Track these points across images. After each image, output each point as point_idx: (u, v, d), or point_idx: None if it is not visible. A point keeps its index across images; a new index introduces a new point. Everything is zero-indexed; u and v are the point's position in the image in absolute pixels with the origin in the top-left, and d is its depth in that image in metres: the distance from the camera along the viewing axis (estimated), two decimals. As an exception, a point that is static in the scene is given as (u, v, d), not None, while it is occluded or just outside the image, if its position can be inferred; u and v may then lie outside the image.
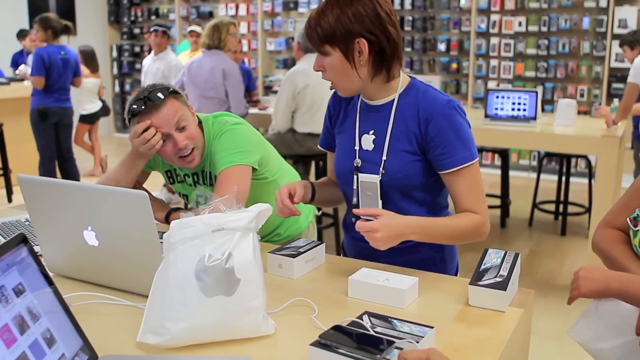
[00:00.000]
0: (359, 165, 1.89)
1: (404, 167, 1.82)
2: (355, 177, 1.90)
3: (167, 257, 1.39)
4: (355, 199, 1.92)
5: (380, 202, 1.86)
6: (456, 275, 2.03)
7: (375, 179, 1.85)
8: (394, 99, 1.85)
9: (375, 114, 1.88)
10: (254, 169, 2.19)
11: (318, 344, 1.25)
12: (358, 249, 1.98)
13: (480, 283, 1.57)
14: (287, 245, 1.88)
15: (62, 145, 6.16)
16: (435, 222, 1.79)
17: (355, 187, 1.91)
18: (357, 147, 1.90)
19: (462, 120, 1.79)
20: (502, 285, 1.55)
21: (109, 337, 1.43)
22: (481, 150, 5.94)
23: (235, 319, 1.38)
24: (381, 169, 1.84)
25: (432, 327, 1.36)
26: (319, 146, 2.11)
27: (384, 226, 1.64)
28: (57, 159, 6.20)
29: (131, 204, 1.55)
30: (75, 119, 6.94)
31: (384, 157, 1.84)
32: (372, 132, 1.88)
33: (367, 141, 1.88)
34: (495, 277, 1.59)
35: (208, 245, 1.37)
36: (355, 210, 1.72)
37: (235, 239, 1.39)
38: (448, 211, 1.98)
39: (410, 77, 1.89)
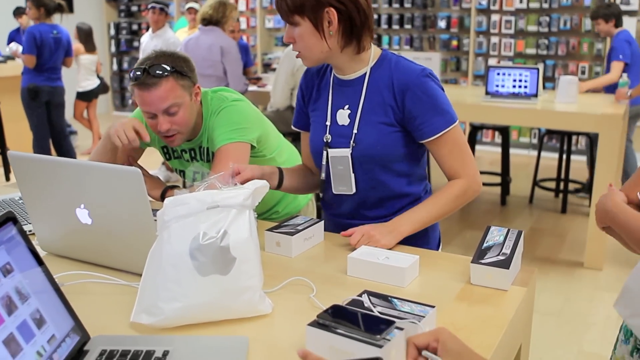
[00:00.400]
0: (329, 140, 1.89)
1: (382, 139, 1.82)
2: (325, 152, 1.89)
3: (161, 235, 1.35)
4: (323, 175, 1.92)
5: (352, 175, 1.86)
6: (438, 246, 2.04)
7: (346, 152, 1.84)
8: (366, 72, 1.85)
9: (349, 89, 1.87)
10: (252, 147, 2.16)
11: (316, 324, 1.21)
12: (338, 225, 1.98)
13: (482, 261, 1.54)
14: (285, 223, 1.84)
15: (55, 125, 6.11)
16: (418, 209, 1.84)
17: (324, 162, 1.90)
18: (328, 123, 1.89)
19: (436, 87, 1.81)
20: (504, 264, 1.52)
21: (102, 317, 1.40)
22: (481, 127, 5.91)
23: (231, 298, 1.34)
24: (352, 142, 1.84)
25: (433, 307, 1.32)
26: (292, 127, 2.08)
27: (369, 227, 1.77)
28: (52, 138, 6.16)
29: (124, 181, 1.51)
30: (70, 97, 6.89)
31: (355, 130, 1.84)
32: (346, 106, 1.87)
33: (343, 116, 1.87)
34: (498, 255, 1.56)
35: (203, 223, 1.34)
36: (342, 233, 1.80)
37: (231, 216, 1.35)
38: (427, 182, 2.00)
39: (381, 49, 1.88)
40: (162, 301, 1.31)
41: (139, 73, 1.98)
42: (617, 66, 5.41)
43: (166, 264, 1.32)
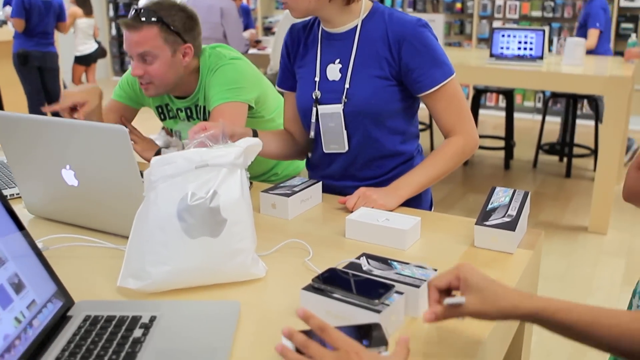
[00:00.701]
0: (319, 97, 1.80)
1: (376, 93, 1.74)
2: (314, 109, 1.81)
3: (148, 196, 1.28)
4: (312, 133, 1.85)
5: (345, 132, 1.79)
6: (431, 208, 1.98)
7: (338, 108, 1.76)
8: (357, 25, 1.76)
9: (339, 42, 1.79)
10: (250, 107, 2.08)
11: (311, 288, 1.15)
12: (326, 187, 1.91)
13: (487, 223, 1.47)
14: (282, 184, 1.77)
15: (49, 90, 6.04)
16: (416, 171, 1.77)
17: (313, 120, 1.83)
18: (317, 79, 1.81)
19: (433, 37, 1.74)
20: (510, 226, 1.45)
21: (87, 282, 1.33)
22: (485, 91, 5.81)
23: (222, 261, 1.28)
24: (344, 97, 1.76)
25: (435, 270, 1.26)
26: (276, 87, 1.99)
27: (367, 189, 1.70)
28: (47, 103, 6.08)
29: (110, 139, 1.44)
30: (69, 62, 6.78)
31: (347, 85, 1.76)
32: (337, 61, 1.79)
33: (334, 71, 1.79)
34: (504, 216, 1.49)
35: (191, 182, 1.26)
36: (339, 200, 1.74)
37: (221, 176, 1.28)
38: (419, 142, 1.94)
39: (372, 1, 1.80)
40: (150, 265, 1.25)
41: (132, 13, 1.96)
42: (594, 33, 5.63)
43: (153, 226, 1.25)
